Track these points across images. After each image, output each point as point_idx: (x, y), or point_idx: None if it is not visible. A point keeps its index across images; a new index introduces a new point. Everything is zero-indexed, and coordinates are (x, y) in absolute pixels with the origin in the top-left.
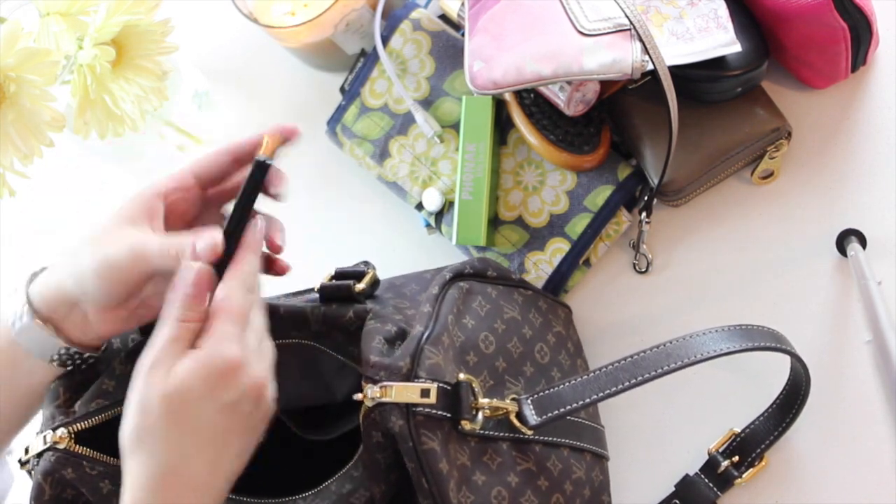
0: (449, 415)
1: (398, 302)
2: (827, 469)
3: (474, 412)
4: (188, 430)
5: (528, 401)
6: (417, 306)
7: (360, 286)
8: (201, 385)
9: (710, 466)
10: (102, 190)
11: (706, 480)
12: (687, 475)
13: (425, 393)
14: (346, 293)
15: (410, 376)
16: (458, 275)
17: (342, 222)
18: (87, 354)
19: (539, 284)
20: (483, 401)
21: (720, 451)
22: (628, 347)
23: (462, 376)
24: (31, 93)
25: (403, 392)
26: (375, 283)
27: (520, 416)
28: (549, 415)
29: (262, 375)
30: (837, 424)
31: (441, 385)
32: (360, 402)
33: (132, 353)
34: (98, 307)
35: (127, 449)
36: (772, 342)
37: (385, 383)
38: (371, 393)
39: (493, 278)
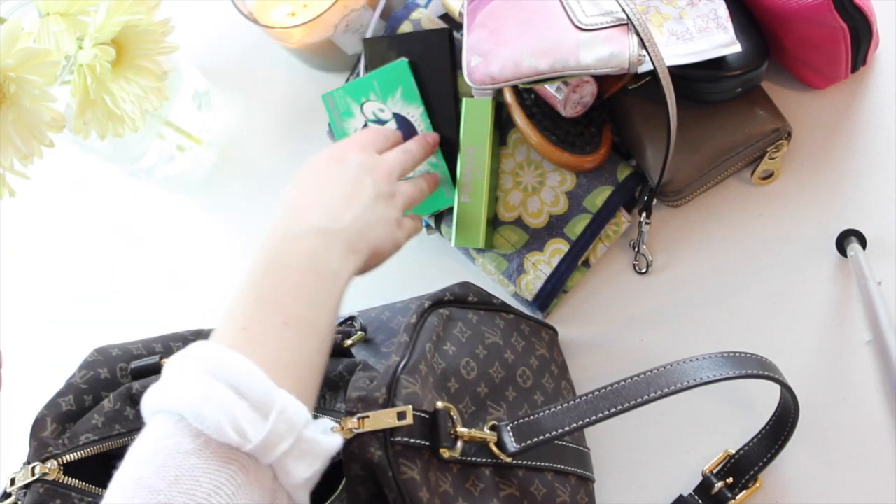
0: (427, 443)
1: (390, 345)
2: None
3: (453, 439)
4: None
5: (508, 428)
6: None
7: (349, 342)
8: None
9: (703, 488)
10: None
11: (700, 502)
12: (681, 496)
13: (401, 416)
14: (336, 348)
15: (387, 406)
16: (438, 302)
17: None
18: None
19: (538, 285)
20: (462, 430)
21: (714, 472)
22: (628, 348)
23: (440, 404)
24: (31, 93)
25: (379, 418)
26: (363, 338)
27: (499, 443)
28: (529, 442)
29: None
30: (837, 426)
31: (418, 413)
32: None
33: (122, 394)
34: None
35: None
36: (758, 369)
37: (362, 414)
38: (349, 425)
39: (473, 304)
